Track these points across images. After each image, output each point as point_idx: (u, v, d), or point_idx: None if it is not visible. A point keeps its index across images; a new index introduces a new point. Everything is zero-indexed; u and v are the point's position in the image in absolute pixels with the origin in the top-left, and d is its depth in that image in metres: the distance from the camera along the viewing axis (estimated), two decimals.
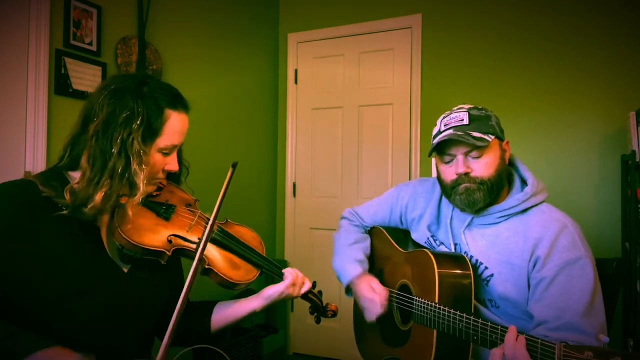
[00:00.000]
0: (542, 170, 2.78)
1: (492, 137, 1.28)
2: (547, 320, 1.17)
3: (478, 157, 1.29)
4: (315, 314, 1.37)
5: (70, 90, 2.12)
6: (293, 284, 1.21)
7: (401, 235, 1.64)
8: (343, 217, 1.77)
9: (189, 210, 1.18)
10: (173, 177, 1.23)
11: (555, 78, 2.82)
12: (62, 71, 2.09)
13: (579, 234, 1.24)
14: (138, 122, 0.98)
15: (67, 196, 0.96)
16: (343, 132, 3.42)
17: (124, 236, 1.02)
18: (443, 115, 1.37)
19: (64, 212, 0.96)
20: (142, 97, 1.00)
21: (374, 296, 1.44)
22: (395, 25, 3.24)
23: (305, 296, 1.27)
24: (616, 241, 2.59)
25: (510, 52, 2.92)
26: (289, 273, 1.22)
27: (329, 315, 1.35)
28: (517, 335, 1.00)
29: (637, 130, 2.32)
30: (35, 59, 1.99)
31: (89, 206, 0.96)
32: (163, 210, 1.12)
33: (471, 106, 1.35)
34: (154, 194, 1.14)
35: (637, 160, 2.28)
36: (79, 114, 1.04)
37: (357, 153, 3.38)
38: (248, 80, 3.33)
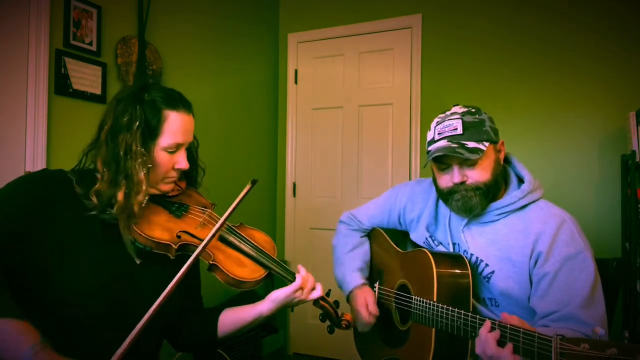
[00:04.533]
0: (542, 170, 2.78)
1: (487, 144, 1.27)
2: (550, 314, 1.19)
3: (473, 165, 1.28)
4: (328, 322, 1.31)
5: (70, 90, 2.12)
6: (301, 288, 1.18)
7: (400, 236, 1.64)
8: (341, 222, 1.76)
9: (202, 212, 1.22)
10: (190, 180, 1.28)
11: (555, 78, 2.82)
12: (62, 71, 2.09)
13: (577, 228, 1.25)
14: (137, 125, 1.07)
15: (94, 198, 1.06)
16: (343, 132, 3.43)
17: (136, 229, 1.09)
18: (437, 120, 1.36)
19: (93, 212, 1.06)
20: (141, 102, 1.09)
21: (364, 313, 1.46)
22: (395, 25, 3.24)
23: (316, 302, 1.24)
24: (616, 241, 2.58)
25: (510, 52, 2.92)
26: (300, 277, 1.18)
27: (343, 325, 1.29)
28: (510, 336, 1.00)
29: (637, 130, 2.32)
30: (35, 59, 1.99)
31: (115, 206, 1.05)
32: (175, 209, 1.18)
33: (464, 110, 1.33)
34: (171, 194, 1.20)
35: (637, 160, 2.28)
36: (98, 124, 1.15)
37: (357, 153, 3.38)
38: (248, 80, 3.34)
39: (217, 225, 1.11)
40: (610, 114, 2.68)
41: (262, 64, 3.49)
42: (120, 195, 1.05)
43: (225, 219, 1.13)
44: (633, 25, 2.65)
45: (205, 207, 1.23)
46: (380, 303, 1.54)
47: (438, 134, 1.32)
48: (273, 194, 3.63)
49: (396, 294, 1.46)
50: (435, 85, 3.13)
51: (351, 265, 1.59)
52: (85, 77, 2.18)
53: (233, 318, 1.22)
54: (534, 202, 1.32)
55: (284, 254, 3.58)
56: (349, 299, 1.57)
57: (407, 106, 3.21)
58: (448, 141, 1.28)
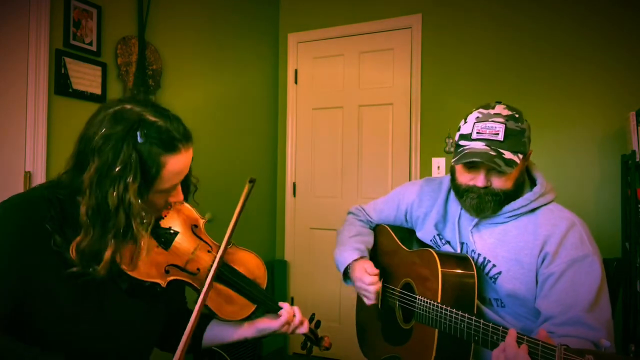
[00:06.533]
0: (543, 170, 2.76)
1: (521, 156, 1.25)
2: (554, 316, 1.18)
3: (501, 174, 1.26)
4: (309, 344, 1.35)
5: (70, 90, 2.12)
6: (287, 324, 1.19)
7: (406, 234, 1.64)
8: (350, 212, 1.77)
9: (193, 235, 1.15)
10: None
11: (555, 78, 2.82)
12: (62, 71, 2.08)
13: (587, 232, 1.25)
14: (132, 176, 0.91)
15: (74, 254, 0.92)
16: (343, 132, 3.42)
17: (120, 266, 1.00)
18: (477, 115, 1.29)
19: (74, 269, 0.93)
20: (135, 145, 0.92)
21: (364, 277, 1.45)
22: (395, 25, 3.24)
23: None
24: (616, 241, 2.59)
25: (510, 52, 2.92)
26: (285, 312, 1.19)
27: (322, 349, 1.34)
28: (519, 340, 1.00)
29: (637, 130, 2.33)
30: (35, 59, 1.99)
31: (101, 265, 0.93)
32: (163, 240, 1.09)
33: (509, 113, 1.28)
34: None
35: (637, 160, 2.29)
36: (77, 140, 0.97)
37: (357, 153, 3.38)
38: (248, 80, 3.33)
39: (211, 273, 1.05)
40: (610, 114, 2.68)
41: (262, 64, 3.49)
42: (107, 254, 0.92)
43: (221, 257, 1.06)
44: (633, 26, 2.65)
45: (197, 227, 1.16)
46: (383, 300, 1.54)
47: (477, 132, 1.26)
48: (273, 193, 3.62)
49: (400, 292, 1.46)
50: (435, 85, 3.13)
51: (352, 245, 1.58)
52: (85, 77, 2.18)
53: (218, 334, 1.23)
54: (545, 205, 1.31)
55: (284, 254, 3.57)
56: (346, 275, 1.55)
57: (407, 106, 3.21)
58: (487, 145, 1.24)
